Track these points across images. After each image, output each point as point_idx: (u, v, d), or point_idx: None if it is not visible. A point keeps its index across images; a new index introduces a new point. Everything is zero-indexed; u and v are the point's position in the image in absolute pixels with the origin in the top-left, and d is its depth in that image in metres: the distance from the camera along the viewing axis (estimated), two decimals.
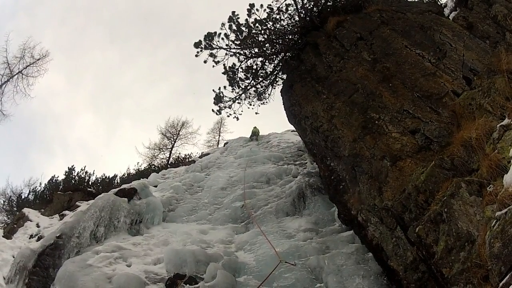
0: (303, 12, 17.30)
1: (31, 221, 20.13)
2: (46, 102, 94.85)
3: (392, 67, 12.01)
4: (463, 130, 7.97)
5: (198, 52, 17.52)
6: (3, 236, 18.19)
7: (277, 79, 19.87)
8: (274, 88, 20.24)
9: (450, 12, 13.95)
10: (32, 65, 30.42)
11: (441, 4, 16.55)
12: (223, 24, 17.18)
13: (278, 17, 17.48)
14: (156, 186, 20.68)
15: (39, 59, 30.67)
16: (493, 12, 12.18)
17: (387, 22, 13.87)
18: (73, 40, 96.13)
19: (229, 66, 18.20)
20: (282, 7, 17.30)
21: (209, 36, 17.33)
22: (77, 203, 22.93)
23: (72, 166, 29.00)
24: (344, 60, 13.95)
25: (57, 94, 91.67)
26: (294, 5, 17.14)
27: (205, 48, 17.47)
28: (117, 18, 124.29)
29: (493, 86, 7.71)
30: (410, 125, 10.35)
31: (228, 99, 19.26)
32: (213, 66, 17.81)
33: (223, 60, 17.90)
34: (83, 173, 28.83)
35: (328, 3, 17.17)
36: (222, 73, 18.30)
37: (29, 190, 27.91)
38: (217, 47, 17.52)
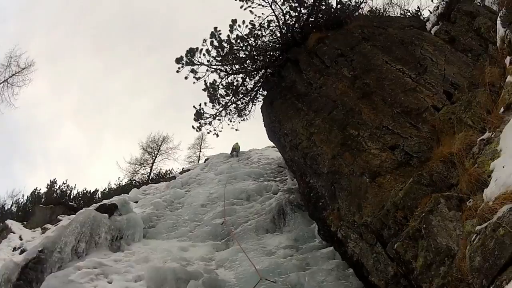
0: (285, 28, 17.40)
1: (14, 233, 19.94)
2: (29, 112, 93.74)
3: (372, 83, 12.07)
4: (443, 146, 8.01)
5: (179, 68, 17.45)
6: None
7: (257, 96, 19.90)
8: (255, 105, 20.26)
9: (432, 26, 14.08)
10: (17, 74, 30.09)
11: (424, 18, 16.78)
12: (204, 40, 17.17)
13: (259, 33, 17.56)
14: (137, 202, 20.47)
15: (24, 68, 30.31)
16: (476, 25, 12.32)
17: (368, 38, 13.99)
18: (59, 48, 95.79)
19: (210, 83, 18.16)
20: (264, 23, 17.42)
21: (191, 52, 17.29)
22: (58, 217, 22.79)
23: (54, 179, 28.78)
24: (324, 76, 14.00)
25: (40, 103, 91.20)
26: (276, 21, 17.25)
27: (187, 64, 17.41)
28: (102, 27, 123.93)
29: (474, 99, 7.76)
30: (389, 141, 10.36)
31: (208, 116, 19.17)
32: (194, 82, 17.76)
33: (204, 76, 17.86)
34: (64, 186, 28.61)
35: (310, 19, 17.29)
36: (203, 89, 18.24)
37: (12, 202, 27.69)
38: (198, 63, 17.47)
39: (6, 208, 27.15)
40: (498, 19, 8.33)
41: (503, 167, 4.99)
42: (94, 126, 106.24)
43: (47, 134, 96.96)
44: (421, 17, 18.09)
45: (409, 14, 19.64)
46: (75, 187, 29.19)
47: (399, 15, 20.21)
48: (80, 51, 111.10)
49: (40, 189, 28.28)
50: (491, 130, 6.34)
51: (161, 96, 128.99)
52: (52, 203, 25.16)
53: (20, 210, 26.30)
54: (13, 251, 17.92)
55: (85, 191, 29.71)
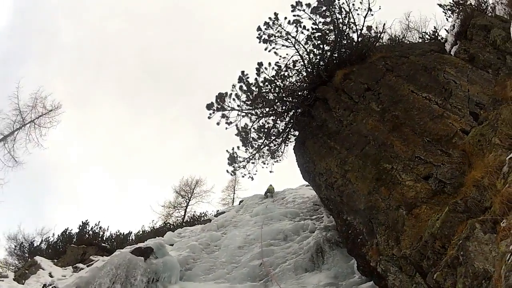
0: (310, 66, 17.63)
1: (43, 269, 20.07)
2: (58, 153, 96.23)
3: (401, 115, 12.08)
4: (475, 169, 7.94)
5: (210, 114, 17.80)
6: (14, 279, 18.20)
7: (289, 136, 20.01)
8: (287, 145, 20.35)
9: (451, 47, 14.13)
10: (44, 116, 30.77)
11: (442, 39, 16.84)
12: (233, 85, 17.55)
13: (286, 73, 17.83)
14: (172, 245, 20.60)
15: (51, 110, 31.07)
16: (492, 38, 12.30)
17: (392, 68, 14.09)
18: (83, 93, 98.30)
19: (241, 127, 18.43)
20: (289, 64, 17.69)
21: (221, 97, 17.64)
22: (91, 257, 22.94)
23: (86, 220, 28.98)
24: (354, 113, 14.07)
25: (68, 145, 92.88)
26: (301, 60, 17.51)
27: (217, 110, 17.75)
28: (126, 73, 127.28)
29: (499, 117, 7.71)
30: (422, 171, 10.29)
31: (242, 159, 19.37)
32: (226, 128, 18.08)
33: (235, 121, 18.18)
34: (97, 228, 28.75)
35: (334, 55, 17.49)
36: (235, 134, 18.52)
37: (42, 239, 28.08)
38: (229, 108, 17.80)
39: (35, 245, 27.59)
40: (511, 28, 8.34)
41: None
42: (122, 170, 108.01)
43: (76, 176, 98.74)
44: (439, 37, 18.12)
45: (427, 36, 19.67)
46: (108, 229, 29.36)
47: (418, 39, 20.26)
48: (104, 96, 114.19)
49: (72, 229, 28.59)
50: None
51: (189, 141, 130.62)
52: (84, 243, 25.41)
53: (50, 248, 26.62)
54: (43, 287, 18.17)
55: (118, 233, 29.90)
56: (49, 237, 28.50)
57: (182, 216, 38.44)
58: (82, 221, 28.96)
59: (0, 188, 28.02)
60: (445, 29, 18.31)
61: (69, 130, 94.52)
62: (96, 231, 28.44)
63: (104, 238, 28.29)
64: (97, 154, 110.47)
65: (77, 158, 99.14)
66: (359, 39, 17.19)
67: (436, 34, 19.21)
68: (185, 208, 40.06)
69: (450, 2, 17.86)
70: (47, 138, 30.89)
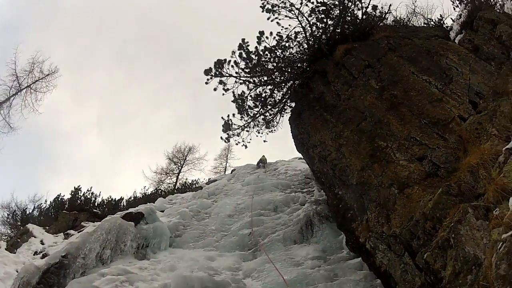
0: (312, 39, 17.48)
1: (35, 237, 20.24)
2: (52, 119, 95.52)
3: (400, 95, 12.05)
4: (470, 155, 7.98)
5: (208, 80, 17.74)
6: (6, 249, 18.32)
7: (285, 107, 19.99)
8: (283, 116, 20.36)
9: (456, 35, 14.06)
10: (41, 80, 30.83)
11: (447, 27, 16.75)
12: (233, 52, 17.40)
13: (287, 44, 17.66)
14: (163, 211, 20.73)
15: (48, 75, 31.12)
16: (497, 32, 12.25)
17: (395, 48, 13.99)
18: (80, 59, 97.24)
19: (238, 94, 18.39)
20: (291, 35, 17.51)
21: (219, 64, 17.53)
22: (82, 223, 23.16)
23: (79, 186, 29.43)
24: (352, 88, 14.02)
25: (63, 111, 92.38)
26: (303, 32, 17.33)
27: (215, 75, 17.68)
28: (124, 39, 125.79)
29: (498, 109, 7.74)
30: (417, 152, 10.32)
31: (236, 127, 19.40)
32: (223, 94, 18.06)
33: (232, 87, 18.11)
34: (89, 194, 29.19)
35: (337, 30, 17.33)
36: (232, 101, 18.49)
37: (34, 206, 28.43)
38: (227, 74, 17.73)
39: (27, 213, 27.79)
40: None
41: None
42: (116, 136, 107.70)
43: (70, 142, 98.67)
44: (444, 25, 18.02)
45: (432, 23, 19.57)
46: (99, 195, 29.94)
47: (422, 24, 20.12)
48: (101, 62, 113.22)
49: (64, 196, 29.12)
50: None
51: (183, 109, 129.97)
52: (76, 210, 25.71)
53: (42, 215, 26.97)
54: (34, 255, 18.24)
55: (110, 199, 30.40)
56: (41, 204, 28.93)
57: (174, 183, 38.80)
58: (74, 187, 29.39)
59: None
60: (451, 18, 18.25)
61: (64, 96, 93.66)
62: (88, 197, 28.88)
63: (96, 204, 28.77)
64: (91, 120, 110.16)
65: (71, 124, 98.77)
66: (364, 16, 17.01)
67: (442, 22, 19.08)
68: (177, 175, 40.41)
69: None
70: (43, 103, 30.96)
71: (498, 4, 15.51)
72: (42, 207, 28.30)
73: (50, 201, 28.69)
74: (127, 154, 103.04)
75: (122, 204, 29.72)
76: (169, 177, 40.64)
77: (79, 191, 28.94)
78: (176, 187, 36.39)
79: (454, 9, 18.03)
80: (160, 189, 36.51)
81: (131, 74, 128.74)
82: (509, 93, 7.74)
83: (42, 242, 19.80)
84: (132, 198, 31.38)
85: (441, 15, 19.95)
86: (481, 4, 14.65)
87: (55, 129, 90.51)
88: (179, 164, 41.46)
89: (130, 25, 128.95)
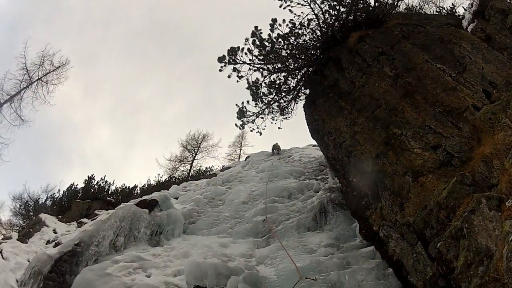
0: (325, 27, 17.32)
1: (47, 226, 20.30)
2: (64, 111, 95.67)
3: (414, 82, 11.95)
4: (484, 145, 7.92)
5: (222, 67, 17.69)
6: (17, 240, 18.43)
7: (299, 94, 19.89)
8: (297, 103, 20.26)
9: (468, 24, 13.91)
10: (52, 73, 31.06)
11: (459, 16, 16.54)
12: (246, 39, 17.30)
13: (300, 32, 17.48)
14: (177, 198, 20.84)
15: (59, 67, 31.36)
16: (509, 23, 12.09)
17: (408, 36, 13.84)
18: (90, 52, 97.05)
19: (252, 81, 18.33)
20: (304, 22, 17.33)
21: (233, 51, 17.48)
22: (96, 211, 23.21)
23: (92, 175, 29.59)
24: (367, 75, 13.92)
25: (75, 104, 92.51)
26: (316, 20, 17.15)
27: (229, 63, 17.62)
28: (133, 32, 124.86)
29: (511, 99, 7.66)
30: (432, 141, 10.26)
31: (251, 114, 19.36)
32: (237, 81, 17.99)
33: (246, 75, 18.05)
34: (102, 182, 29.35)
35: (349, 18, 17.15)
36: (246, 88, 18.44)
37: (47, 196, 28.63)
38: (241, 62, 17.65)
39: (40, 203, 28.02)
40: None
41: None
42: (128, 128, 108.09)
43: (82, 134, 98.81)
44: (456, 14, 17.81)
45: (444, 11, 19.35)
46: (113, 183, 30.04)
47: (435, 12, 19.90)
48: (112, 54, 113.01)
49: (77, 185, 29.24)
50: None
51: (197, 98, 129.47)
52: (89, 198, 25.82)
53: (55, 204, 27.08)
54: (46, 244, 18.27)
55: (124, 187, 30.53)
56: (54, 193, 29.06)
57: (188, 170, 38.80)
58: (88, 176, 29.54)
59: (6, 147, 28.20)
60: (463, 7, 18.04)
61: (76, 89, 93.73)
62: (102, 185, 28.95)
63: (110, 192, 28.83)
64: (104, 113, 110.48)
65: (84, 116, 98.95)
66: (376, 4, 16.78)
67: (454, 10, 18.88)
68: (191, 162, 40.39)
69: None
70: (54, 95, 31.02)
71: None
72: (55, 196, 28.51)
73: (64, 191, 28.88)
74: (141, 145, 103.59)
75: (136, 192, 29.84)
76: (183, 165, 40.76)
77: (93, 180, 29.13)
78: (190, 174, 36.40)
79: None
80: (174, 176, 36.57)
81: (142, 66, 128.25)
82: None
83: (55, 231, 19.89)
84: (146, 186, 31.51)
85: (452, 4, 19.90)
86: None
87: (67, 122, 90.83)
88: (193, 152, 41.50)
89: (140, 17, 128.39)
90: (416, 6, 20.36)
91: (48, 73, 30.71)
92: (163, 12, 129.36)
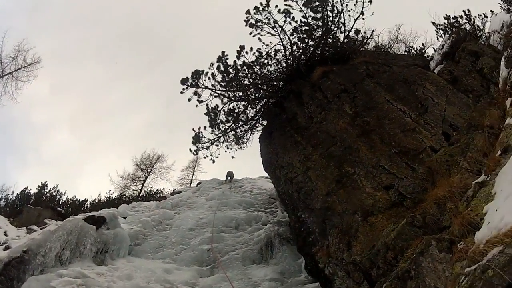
0: (291, 59, 17.43)
1: (0, 227, 19.66)
2: (27, 110, 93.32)
3: (372, 122, 12.02)
4: (438, 188, 7.96)
5: (183, 89, 17.44)
6: None
7: (257, 125, 19.83)
8: (253, 134, 20.16)
9: (436, 66, 14.12)
10: (23, 69, 30.45)
11: (428, 56, 16.88)
12: (211, 64, 17.15)
13: (266, 61, 17.53)
14: (125, 218, 20.32)
15: (30, 64, 30.67)
16: (479, 65, 12.28)
17: (372, 75, 13.98)
18: (64, 53, 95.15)
19: (211, 107, 18.12)
20: (271, 52, 17.38)
21: (197, 74, 17.29)
22: (45, 220, 22.64)
23: (45, 182, 28.93)
24: (326, 111, 13.95)
25: (39, 102, 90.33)
26: (283, 51, 17.24)
27: (191, 86, 17.40)
28: (111, 35, 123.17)
29: (472, 142, 7.74)
30: (384, 181, 10.28)
31: (206, 140, 19.08)
32: (197, 105, 17.75)
33: (207, 100, 17.86)
34: (54, 191, 28.79)
35: (317, 52, 17.33)
36: (205, 113, 18.20)
37: (1, 196, 28.04)
38: (203, 86, 17.45)
39: None
40: (502, 59, 8.35)
41: (496, 210, 4.97)
42: (88, 135, 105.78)
43: (41, 135, 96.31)
44: (425, 55, 18.20)
45: (413, 51, 19.80)
46: (65, 193, 29.39)
47: (404, 52, 20.36)
48: (85, 58, 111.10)
49: (31, 189, 28.45)
50: (487, 173, 6.33)
51: (157, 114, 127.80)
52: (40, 205, 25.21)
53: (8, 206, 26.38)
54: None
55: (75, 199, 29.91)
56: (8, 195, 28.28)
57: (139, 190, 38.35)
58: (41, 182, 29.07)
59: None
60: (433, 48, 18.38)
61: (43, 88, 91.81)
62: (54, 194, 28.57)
63: (60, 202, 28.42)
64: (67, 116, 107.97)
65: (45, 117, 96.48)
66: (345, 40, 17.08)
67: (423, 51, 19.30)
68: (142, 182, 39.96)
69: (444, 23, 17.83)
70: (22, 92, 30.50)
71: (484, 36, 15.67)
72: (9, 198, 27.88)
73: (17, 194, 28.32)
74: (96, 155, 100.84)
75: (86, 206, 29.35)
76: (134, 184, 40.18)
77: (45, 187, 28.64)
78: (141, 194, 35.98)
79: (438, 39, 18.21)
80: (125, 195, 36.03)
81: (113, 72, 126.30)
82: (484, 126, 7.74)
83: (5, 234, 19.28)
84: (96, 201, 31.06)
85: (423, 44, 20.27)
86: (465, 35, 14.75)
87: (28, 121, 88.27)
88: (146, 172, 41.03)
89: (120, 21, 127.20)
90: (386, 45, 20.76)
91: (19, 69, 30.24)
92: (143, 18, 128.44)
